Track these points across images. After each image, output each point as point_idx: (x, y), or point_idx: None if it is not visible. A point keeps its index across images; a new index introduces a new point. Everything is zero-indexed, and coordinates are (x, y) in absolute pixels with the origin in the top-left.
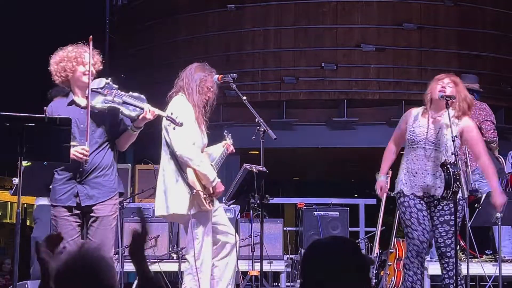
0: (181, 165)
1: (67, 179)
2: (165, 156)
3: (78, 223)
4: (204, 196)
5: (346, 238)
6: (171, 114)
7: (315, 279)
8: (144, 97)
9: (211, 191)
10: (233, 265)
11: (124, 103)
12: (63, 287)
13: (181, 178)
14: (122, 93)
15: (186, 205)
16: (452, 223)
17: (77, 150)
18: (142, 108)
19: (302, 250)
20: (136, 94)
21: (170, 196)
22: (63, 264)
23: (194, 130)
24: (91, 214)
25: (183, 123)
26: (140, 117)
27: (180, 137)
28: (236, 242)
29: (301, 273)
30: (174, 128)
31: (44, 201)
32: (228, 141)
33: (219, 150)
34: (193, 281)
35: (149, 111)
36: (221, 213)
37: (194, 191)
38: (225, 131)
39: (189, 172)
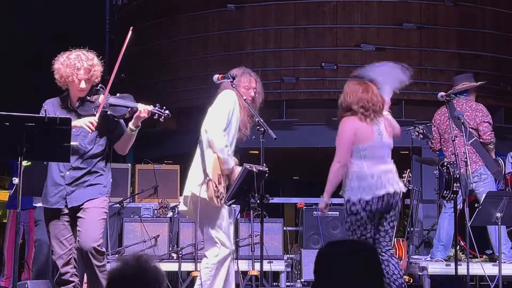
0: (204, 151)
1: (57, 181)
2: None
3: (69, 222)
4: (215, 189)
5: (366, 242)
6: (156, 106)
7: (330, 278)
8: (131, 96)
9: (226, 184)
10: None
11: (111, 105)
12: None
13: (202, 163)
14: (109, 96)
15: (199, 186)
16: None
17: (86, 119)
18: (132, 108)
19: (302, 250)
20: (125, 94)
21: (191, 177)
22: (119, 272)
23: (228, 122)
24: (80, 207)
25: (170, 114)
26: (135, 115)
27: (216, 118)
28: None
29: (316, 270)
30: (162, 119)
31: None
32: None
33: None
34: (208, 275)
35: (143, 110)
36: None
37: (208, 178)
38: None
39: (208, 159)
